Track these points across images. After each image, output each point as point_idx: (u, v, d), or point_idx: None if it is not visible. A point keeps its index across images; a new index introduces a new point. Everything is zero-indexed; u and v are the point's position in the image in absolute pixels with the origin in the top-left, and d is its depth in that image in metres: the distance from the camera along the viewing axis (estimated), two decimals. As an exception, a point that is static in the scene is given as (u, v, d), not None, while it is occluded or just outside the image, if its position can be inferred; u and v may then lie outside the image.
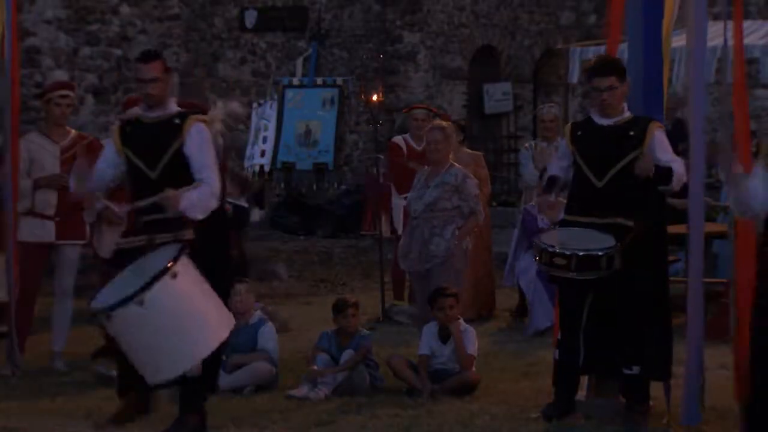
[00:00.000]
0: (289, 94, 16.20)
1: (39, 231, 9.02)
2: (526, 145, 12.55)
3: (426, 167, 9.63)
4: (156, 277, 6.29)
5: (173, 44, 17.71)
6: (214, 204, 6.82)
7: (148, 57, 7.08)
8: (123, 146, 7.04)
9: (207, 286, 6.58)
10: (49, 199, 9.05)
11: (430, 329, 8.28)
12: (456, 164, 9.57)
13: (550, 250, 7.00)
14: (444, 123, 10.08)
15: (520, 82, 20.02)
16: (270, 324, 8.60)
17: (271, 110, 17.66)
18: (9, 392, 8.18)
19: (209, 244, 6.83)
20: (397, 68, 18.76)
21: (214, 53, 18.35)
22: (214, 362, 6.92)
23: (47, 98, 9.31)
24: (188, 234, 6.69)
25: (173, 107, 7.08)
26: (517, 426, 7.11)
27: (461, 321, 8.37)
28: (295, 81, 16.87)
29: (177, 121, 6.92)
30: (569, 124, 8.01)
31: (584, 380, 7.46)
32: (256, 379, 8.25)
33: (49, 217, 9.04)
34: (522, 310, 11.11)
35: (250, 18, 18.02)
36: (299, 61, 17.96)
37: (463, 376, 8.08)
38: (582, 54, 15.22)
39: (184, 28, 17.90)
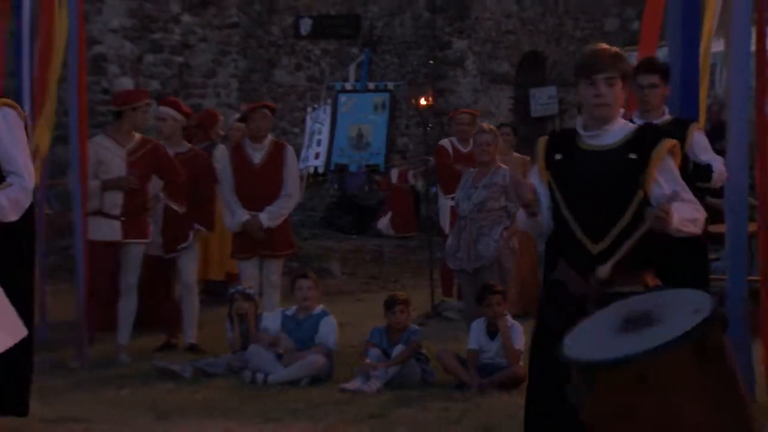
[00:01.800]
0: (342, 98, 16.25)
1: (107, 230, 9.07)
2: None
3: (472, 169, 9.63)
4: None
5: (232, 51, 17.79)
6: (27, 202, 5.83)
7: None
8: None
9: None
10: (116, 200, 9.10)
11: (479, 325, 8.26)
12: (503, 165, 9.56)
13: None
14: (492, 126, 10.07)
15: (565, 86, 19.93)
16: (331, 317, 8.60)
17: (324, 114, 17.73)
18: (77, 384, 8.24)
19: (11, 244, 5.83)
20: (446, 73, 18.74)
21: (270, 60, 18.40)
22: (16, 381, 6.04)
23: (133, 106, 9.34)
24: None
25: None
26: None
27: (508, 317, 8.34)
28: (348, 86, 16.91)
29: None
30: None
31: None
32: (311, 372, 8.25)
33: (115, 217, 9.09)
34: (567, 307, 11.04)
35: (305, 26, 18.06)
36: (352, 67, 18.00)
37: (511, 371, 8.04)
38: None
39: (242, 36, 17.98)
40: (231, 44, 17.88)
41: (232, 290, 9.18)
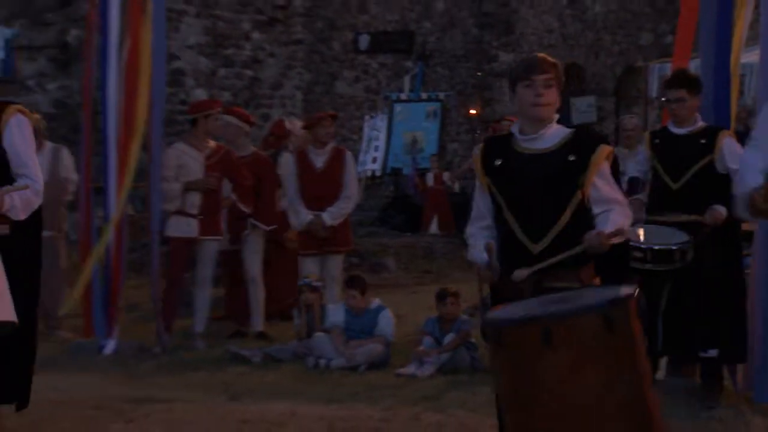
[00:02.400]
0: (398, 108, 16.27)
1: (185, 228, 9.15)
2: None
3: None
4: None
5: (297, 65, 17.87)
6: (36, 203, 5.64)
7: None
8: None
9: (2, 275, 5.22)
10: (194, 200, 9.18)
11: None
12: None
13: (630, 244, 6.98)
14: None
15: (603, 96, 19.87)
16: (388, 311, 8.62)
17: (381, 122, 17.76)
18: (158, 368, 8.33)
19: (22, 240, 5.58)
20: (492, 84, 18.70)
21: (332, 73, 18.47)
22: (17, 369, 5.79)
23: (206, 114, 9.45)
24: (3, 230, 5.44)
25: None
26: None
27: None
28: (403, 96, 16.92)
29: None
30: (648, 132, 7.96)
31: (663, 361, 7.38)
32: (370, 358, 8.27)
33: (193, 216, 9.17)
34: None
35: (364, 42, 18.10)
36: (406, 79, 18.01)
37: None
38: (660, 70, 15.04)
39: (306, 52, 18.06)
40: (296, 59, 17.96)
41: (300, 283, 9.22)
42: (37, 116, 10.08)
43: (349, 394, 7.35)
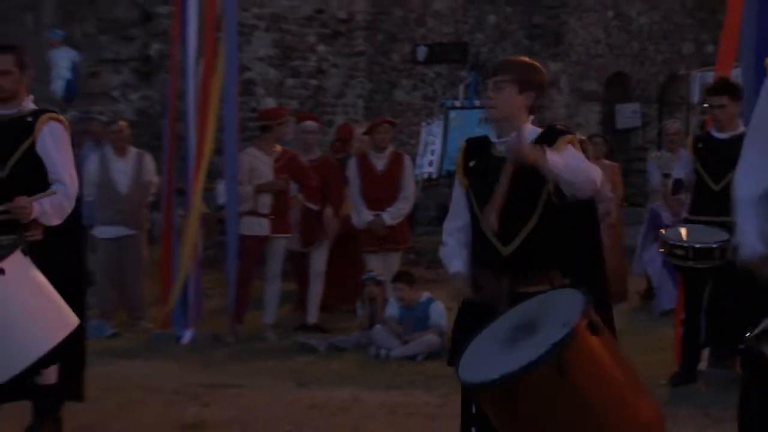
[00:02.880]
0: (452, 114, 16.19)
1: (257, 227, 9.21)
2: (653, 155, 12.33)
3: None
4: None
5: (359, 75, 17.88)
6: (69, 207, 5.47)
7: (1, 48, 5.51)
8: None
9: (43, 287, 5.04)
10: (265, 201, 9.24)
11: (572, 309, 8.19)
12: (594, 171, 9.46)
13: (671, 242, 6.95)
14: (583, 137, 9.98)
15: (647, 103, 19.68)
16: (438, 303, 8.61)
17: (437, 128, 17.68)
18: (231, 356, 8.39)
19: (59, 245, 5.44)
20: (541, 92, 18.60)
21: (391, 82, 18.45)
22: (74, 367, 5.69)
23: (279, 121, 9.53)
24: (36, 235, 5.30)
25: (29, 105, 5.55)
26: (651, 389, 6.97)
27: (598, 302, 8.25)
28: (457, 104, 16.83)
29: (29, 119, 5.44)
30: (691, 137, 7.93)
31: (705, 353, 7.31)
32: (427, 349, 8.27)
33: (264, 215, 9.23)
34: (649, 294, 10.90)
35: (421, 53, 18.06)
36: (461, 87, 17.92)
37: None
38: (701, 78, 14.92)
39: (367, 62, 18.06)
40: (358, 69, 17.98)
41: (364, 277, 9.24)
42: (123, 124, 10.23)
43: (408, 381, 7.37)
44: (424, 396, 6.86)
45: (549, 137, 4.15)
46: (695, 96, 15.36)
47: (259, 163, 9.28)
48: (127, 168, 9.77)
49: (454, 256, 4.31)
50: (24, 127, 5.41)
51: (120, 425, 6.05)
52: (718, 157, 6.97)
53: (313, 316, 9.54)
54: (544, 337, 3.63)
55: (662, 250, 7.18)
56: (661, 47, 19.87)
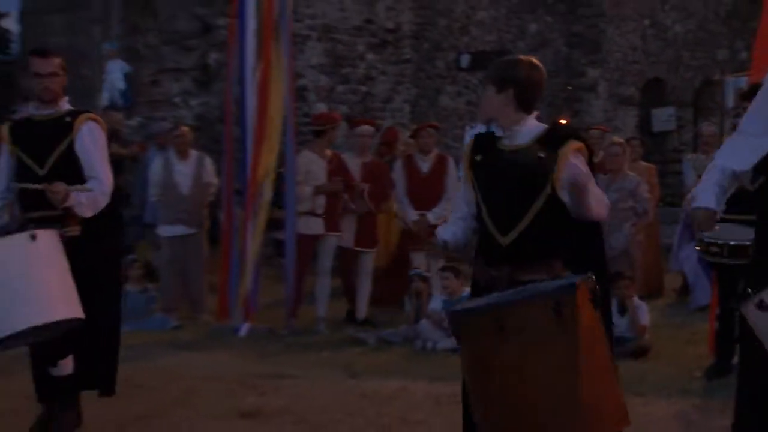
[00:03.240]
0: (496, 119, 16.15)
1: (313, 226, 9.25)
2: (688, 157, 12.22)
3: (602, 174, 9.52)
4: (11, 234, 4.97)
5: (405, 82, 17.87)
6: (103, 203, 5.43)
7: (45, 52, 5.55)
8: (13, 144, 5.51)
9: (65, 268, 5.02)
10: (320, 202, 9.28)
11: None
12: (630, 173, 9.43)
13: (707, 240, 6.88)
14: (621, 140, 9.95)
15: (682, 107, 19.51)
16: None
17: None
18: (285, 348, 8.41)
19: (96, 239, 5.42)
20: (581, 97, 18.50)
21: (436, 88, 18.43)
22: (107, 362, 5.66)
23: (333, 126, 9.59)
24: (74, 231, 5.30)
25: (65, 106, 5.55)
26: (683, 383, 6.94)
27: (635, 298, 8.21)
28: (501, 108, 16.81)
29: (68, 119, 5.44)
30: (726, 139, 7.85)
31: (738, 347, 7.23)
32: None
33: (319, 215, 9.27)
34: (685, 290, 10.82)
35: (465, 60, 18.01)
36: (505, 93, 17.90)
37: (638, 342, 7.93)
38: (735, 83, 14.74)
39: (413, 70, 18.05)
40: (404, 76, 17.97)
41: (411, 273, 9.25)
42: (185, 129, 10.31)
43: (452, 372, 7.25)
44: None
45: (556, 138, 4.06)
46: (729, 101, 15.20)
47: (313, 166, 9.31)
48: (188, 170, 9.84)
49: (444, 229, 4.31)
50: (63, 127, 5.42)
51: (181, 413, 6.10)
52: None
53: (362, 312, 9.56)
54: (546, 286, 3.58)
55: (698, 247, 7.13)
56: (695, 54, 19.70)
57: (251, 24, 9.10)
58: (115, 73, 16.39)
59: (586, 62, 18.36)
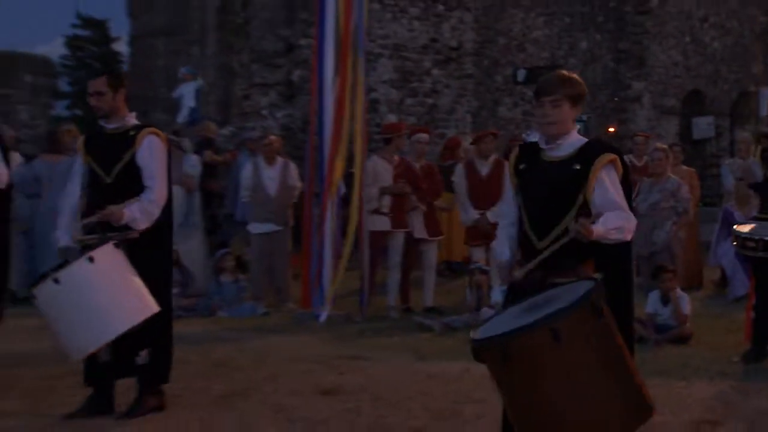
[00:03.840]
0: (549, 127, 16.02)
1: (380, 223, 9.25)
2: (726, 161, 12.02)
3: (645, 178, 9.40)
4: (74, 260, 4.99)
5: (467, 94, 17.81)
6: (157, 212, 5.38)
7: (96, 73, 5.64)
8: (86, 155, 5.52)
9: (128, 275, 5.09)
10: (386, 202, 9.28)
11: (654, 295, 8.02)
12: (672, 176, 9.28)
13: (743, 236, 6.78)
14: (664, 146, 9.80)
15: (720, 116, 19.16)
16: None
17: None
18: (360, 333, 8.40)
19: (149, 242, 5.36)
20: (627, 108, 18.26)
21: (495, 100, 18.36)
22: (160, 350, 5.54)
23: (399, 134, 9.60)
24: (133, 233, 5.25)
25: (131, 121, 5.54)
26: (722, 367, 6.79)
27: (678, 289, 8.07)
28: (553, 118, 16.67)
29: (132, 133, 5.43)
30: (759, 147, 7.72)
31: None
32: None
33: (385, 214, 9.27)
34: (723, 282, 10.61)
35: (521, 75, 17.90)
36: (556, 104, 17.76)
37: (680, 330, 7.79)
38: (768, 95, 14.56)
39: (475, 84, 18.00)
40: (466, 89, 17.92)
41: (472, 266, 9.19)
42: (273, 137, 10.38)
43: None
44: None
45: (592, 152, 3.93)
46: (763, 110, 14.97)
47: (381, 170, 9.32)
48: (275, 174, 9.89)
49: (501, 246, 4.17)
50: (127, 140, 5.40)
51: (270, 389, 6.13)
52: None
53: (429, 300, 9.53)
54: (547, 310, 3.41)
55: (735, 243, 7.01)
56: (732, 68, 19.35)
57: (330, 44, 9.11)
58: (188, 94, 16.56)
59: (631, 76, 18.13)
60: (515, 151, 4.18)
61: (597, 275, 3.76)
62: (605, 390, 3.32)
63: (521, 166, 4.08)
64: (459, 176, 9.75)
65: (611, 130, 17.69)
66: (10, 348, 7.01)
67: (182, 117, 16.24)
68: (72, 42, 25.22)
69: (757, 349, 6.92)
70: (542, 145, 4.04)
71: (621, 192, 3.91)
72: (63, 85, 22.60)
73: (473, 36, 17.88)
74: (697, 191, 11.41)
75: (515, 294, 3.95)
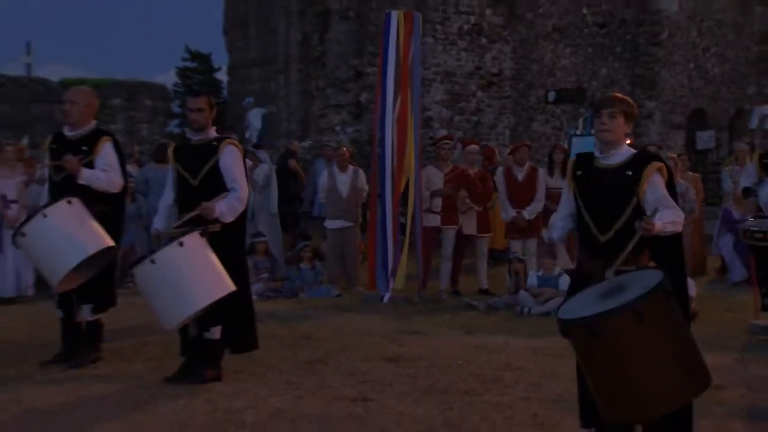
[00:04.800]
0: (575, 140, 15.71)
1: (432, 221, 9.19)
2: (726, 168, 11.72)
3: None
4: (170, 245, 4.92)
5: (506, 112, 17.66)
6: (241, 209, 5.34)
7: (196, 93, 5.64)
8: (175, 162, 5.50)
9: (210, 259, 5.05)
10: (438, 203, 9.20)
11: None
12: (681, 180, 9.06)
13: (753, 228, 6.69)
14: (674, 154, 9.58)
15: (719, 130, 18.71)
16: (566, 275, 8.31)
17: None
18: (417, 311, 8.35)
19: (227, 234, 5.27)
20: (640, 123, 17.85)
21: (530, 117, 18.15)
22: (245, 326, 5.49)
23: (440, 145, 9.53)
24: (215, 227, 5.19)
25: (212, 133, 5.48)
26: (724, 341, 6.62)
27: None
28: (578, 132, 16.36)
29: (215, 143, 5.39)
30: (757, 153, 7.50)
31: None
32: (557, 307, 8.00)
33: (437, 212, 9.20)
34: (723, 269, 10.37)
35: (552, 96, 17.66)
36: (580, 121, 17.41)
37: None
38: (761, 111, 14.25)
39: (512, 103, 17.84)
40: (505, 108, 17.79)
41: (511, 256, 9.09)
42: (344, 149, 10.39)
43: (544, 331, 7.17)
44: (557, 341, 6.63)
45: (642, 160, 3.89)
46: (753, 123, 14.66)
47: (433, 176, 9.26)
48: (347, 179, 9.90)
49: (555, 229, 4.17)
50: (210, 149, 5.35)
51: (343, 358, 6.13)
52: None
53: (484, 283, 9.41)
54: (628, 295, 3.29)
55: (743, 235, 6.92)
56: (730, 89, 18.90)
57: (391, 71, 9.08)
58: (255, 118, 16.68)
59: (644, 97, 17.74)
60: (573, 160, 4.12)
61: (652, 264, 3.70)
62: (676, 365, 3.24)
63: (578, 173, 4.03)
64: (499, 180, 9.64)
65: (628, 142, 17.37)
66: (132, 321, 7.10)
67: (251, 136, 16.36)
68: (182, 72, 25.58)
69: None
70: (597, 155, 3.97)
71: (666, 192, 3.86)
72: (175, 107, 22.93)
73: (511, 64, 17.73)
74: (701, 193, 11.20)
75: (580, 279, 3.89)
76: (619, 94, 4.03)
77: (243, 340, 5.47)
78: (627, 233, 3.74)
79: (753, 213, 7.14)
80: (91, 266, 5.39)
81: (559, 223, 4.16)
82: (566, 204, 4.13)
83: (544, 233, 4.21)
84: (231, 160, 5.34)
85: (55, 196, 5.49)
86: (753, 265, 7.18)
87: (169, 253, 4.88)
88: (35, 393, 5.01)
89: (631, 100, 3.99)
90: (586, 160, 4.06)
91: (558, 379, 5.38)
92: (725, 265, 10.28)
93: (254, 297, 6.10)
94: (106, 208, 5.56)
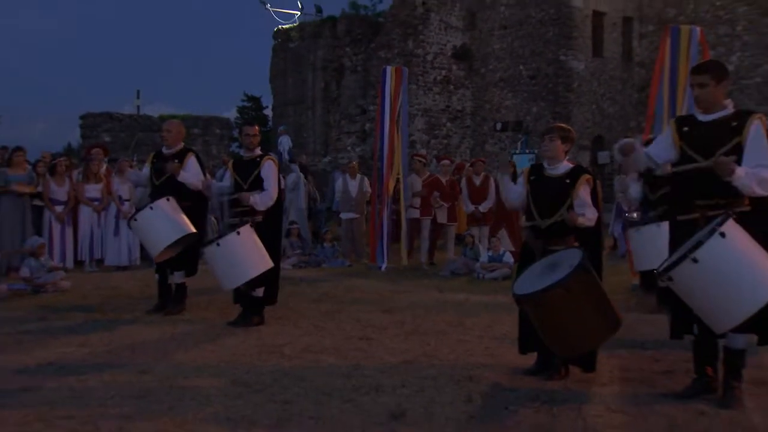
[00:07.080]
0: (515, 157, 15.52)
1: (414, 213, 9.00)
2: (616, 178, 11.48)
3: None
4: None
5: (467, 137, 17.48)
6: (270, 203, 5.18)
7: (250, 123, 5.48)
8: (233, 171, 5.36)
9: (258, 243, 4.95)
10: (417, 200, 9.06)
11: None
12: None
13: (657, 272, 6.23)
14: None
15: (613, 150, 18.63)
16: (509, 252, 8.25)
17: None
18: (404, 276, 8.19)
19: (268, 223, 5.18)
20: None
21: (483, 141, 17.99)
22: (273, 288, 5.33)
23: (415, 160, 9.41)
24: (258, 218, 5.12)
25: (258, 152, 5.34)
26: (612, 295, 6.41)
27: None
28: (518, 151, 16.17)
29: (258, 159, 5.29)
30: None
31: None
32: (502, 275, 7.88)
33: (416, 207, 9.01)
34: (614, 246, 10.27)
35: (499, 126, 17.26)
36: (519, 143, 17.30)
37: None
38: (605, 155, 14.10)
39: (471, 131, 17.65)
40: (467, 134, 17.67)
41: (465, 234, 8.97)
42: (354, 163, 10.28)
43: (494, 290, 7.12)
44: (503, 298, 6.62)
45: (577, 173, 3.91)
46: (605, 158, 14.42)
47: (414, 182, 9.18)
48: (356, 184, 9.82)
49: (511, 193, 4.08)
50: (256, 163, 5.25)
51: (354, 309, 6.08)
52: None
53: (451, 254, 9.20)
54: (560, 272, 3.41)
55: (658, 276, 6.42)
56: (620, 122, 18.76)
57: (387, 109, 9.03)
58: (285, 142, 16.52)
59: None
60: (528, 168, 4.08)
61: (576, 244, 3.76)
62: (596, 317, 3.40)
63: (532, 178, 4.01)
64: (463, 185, 9.58)
65: (582, 165, 17.20)
66: (205, 284, 7.04)
67: (282, 152, 16.23)
68: (241, 109, 25.63)
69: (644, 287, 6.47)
70: (546, 166, 3.98)
71: (590, 199, 3.89)
72: (235, 134, 22.89)
73: (471, 104, 17.65)
74: (600, 193, 11.03)
75: (526, 253, 3.93)
76: (561, 124, 4.03)
77: (270, 296, 5.42)
78: (561, 223, 3.82)
79: (635, 207, 6.90)
80: (179, 245, 5.36)
81: (515, 192, 4.08)
82: (518, 195, 4.07)
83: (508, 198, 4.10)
84: (269, 170, 5.29)
85: (156, 196, 5.49)
86: (629, 246, 7.00)
87: (228, 239, 4.89)
88: (141, 330, 5.07)
89: (568, 128, 3.97)
90: (538, 169, 4.04)
91: (503, 324, 5.34)
92: (616, 242, 10.21)
93: (290, 266, 6.02)
94: (191, 203, 5.55)
